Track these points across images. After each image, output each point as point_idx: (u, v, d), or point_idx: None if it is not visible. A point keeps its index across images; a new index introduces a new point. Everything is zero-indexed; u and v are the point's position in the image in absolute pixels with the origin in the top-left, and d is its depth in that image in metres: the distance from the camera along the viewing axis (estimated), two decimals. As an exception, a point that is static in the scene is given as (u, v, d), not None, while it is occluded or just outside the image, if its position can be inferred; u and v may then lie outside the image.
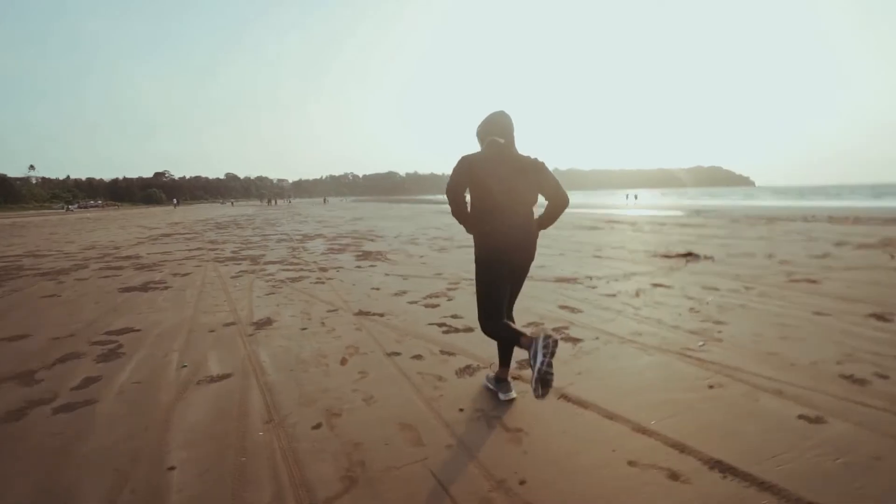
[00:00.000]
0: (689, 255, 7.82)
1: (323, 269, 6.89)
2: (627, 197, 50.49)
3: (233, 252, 9.43)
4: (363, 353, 3.19)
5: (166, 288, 5.70)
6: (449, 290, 5.23)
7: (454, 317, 4.08)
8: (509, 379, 2.54)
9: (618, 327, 3.75)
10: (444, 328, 3.76)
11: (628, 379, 2.72)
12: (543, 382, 2.00)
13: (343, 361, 3.02)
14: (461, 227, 2.44)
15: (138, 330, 3.85)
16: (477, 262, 2.37)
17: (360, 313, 4.26)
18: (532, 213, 2.37)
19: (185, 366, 2.98)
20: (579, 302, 4.62)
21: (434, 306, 4.48)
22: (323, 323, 3.95)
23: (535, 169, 2.34)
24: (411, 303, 4.66)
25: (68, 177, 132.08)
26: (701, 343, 3.31)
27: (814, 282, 5.47)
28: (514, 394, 2.47)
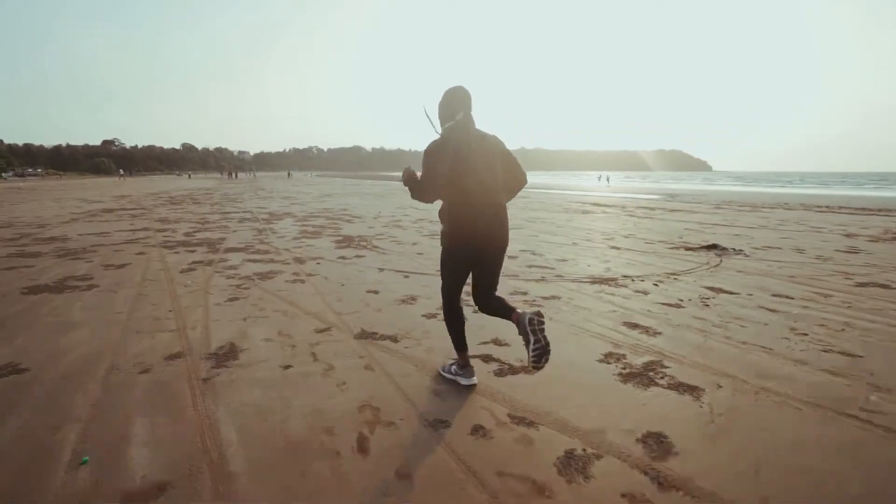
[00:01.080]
0: (714, 248, 6.98)
1: (299, 261, 5.58)
2: (600, 179, 50.10)
3: (186, 235, 7.91)
4: (389, 421, 2.02)
5: (90, 287, 4.28)
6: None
7: (497, 342, 2.96)
8: (471, 363, 2.43)
9: (724, 361, 2.73)
10: (495, 365, 2.63)
11: (841, 484, 1.68)
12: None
13: (362, 446, 1.83)
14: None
15: (23, 370, 2.50)
16: (448, 242, 2.27)
17: (364, 335, 3.06)
18: (502, 193, 2.27)
19: (86, 461, 1.72)
20: (643, 316, 3.59)
21: (461, 323, 3.33)
22: (314, 355, 2.73)
23: (498, 146, 2.28)
24: (427, 317, 3.49)
25: (1, 141, 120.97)
26: (873, 397, 2.32)
27: (885, 286, 4.68)
28: (475, 379, 2.39)
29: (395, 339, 2.99)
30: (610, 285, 4.62)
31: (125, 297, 3.95)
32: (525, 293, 4.23)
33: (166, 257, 5.81)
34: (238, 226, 9.17)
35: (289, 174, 78.85)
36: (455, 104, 2.23)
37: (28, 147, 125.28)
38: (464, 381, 2.36)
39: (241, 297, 3.94)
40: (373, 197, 18.94)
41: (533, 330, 1.98)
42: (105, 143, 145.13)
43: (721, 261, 6.04)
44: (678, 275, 5.16)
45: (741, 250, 6.87)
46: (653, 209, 14.77)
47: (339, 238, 7.49)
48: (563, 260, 5.90)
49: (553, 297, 4.10)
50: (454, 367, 2.43)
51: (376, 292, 4.15)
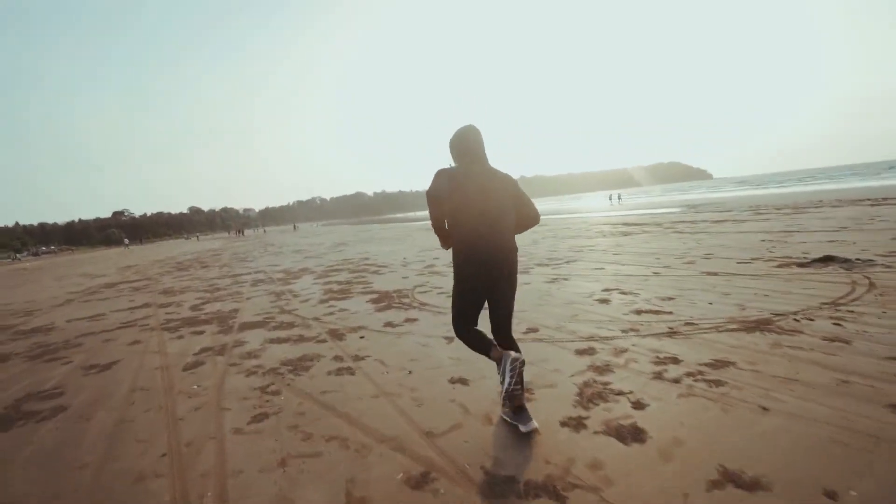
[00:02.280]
0: (832, 261, 5.68)
1: (337, 336, 4.31)
2: (611, 198, 49.01)
3: (193, 308, 6.70)
4: None
5: (56, 411, 3.01)
6: (602, 379, 2.77)
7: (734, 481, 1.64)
8: (525, 405, 2.23)
9: None
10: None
11: None
12: (511, 399, 2.09)
13: None
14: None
15: None
16: (455, 274, 2.29)
17: (496, 488, 1.75)
18: (510, 229, 2.27)
19: None
20: (905, 388, 2.26)
21: (637, 438, 2.01)
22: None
23: (509, 185, 2.30)
24: (573, 426, 2.17)
25: (17, 223, 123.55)
26: None
27: None
28: (535, 423, 2.17)
29: (557, 496, 1.67)
30: (775, 332, 3.30)
31: (100, 428, 2.67)
32: (677, 360, 2.91)
33: (167, 345, 4.57)
34: (252, 290, 7.97)
35: (294, 227, 78.67)
36: (463, 145, 2.30)
37: (42, 226, 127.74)
38: (523, 428, 2.16)
39: (272, 413, 2.64)
40: (390, 241, 17.83)
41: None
42: (115, 214, 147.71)
43: (869, 280, 4.70)
44: (844, 306, 3.83)
45: (871, 260, 5.55)
46: (695, 222, 13.50)
47: (374, 295, 6.24)
48: (669, 298, 4.59)
49: (724, 364, 2.78)
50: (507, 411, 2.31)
51: (464, 383, 2.84)
